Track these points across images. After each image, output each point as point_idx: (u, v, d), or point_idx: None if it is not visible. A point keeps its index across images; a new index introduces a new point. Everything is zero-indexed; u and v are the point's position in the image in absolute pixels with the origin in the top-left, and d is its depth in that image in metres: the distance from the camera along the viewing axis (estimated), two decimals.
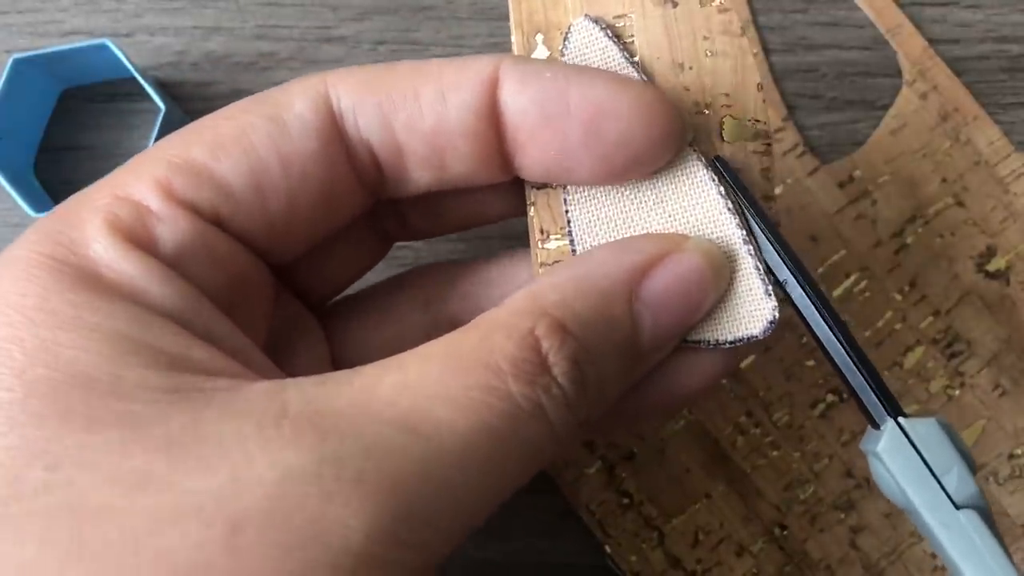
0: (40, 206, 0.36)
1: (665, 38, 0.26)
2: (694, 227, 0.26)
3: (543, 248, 0.27)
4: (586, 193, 0.26)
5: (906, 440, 0.24)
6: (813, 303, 0.25)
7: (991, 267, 0.39)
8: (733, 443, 0.38)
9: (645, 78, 0.26)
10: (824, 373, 0.38)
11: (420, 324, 0.29)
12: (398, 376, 0.21)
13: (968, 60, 0.40)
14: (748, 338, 0.25)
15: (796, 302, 0.25)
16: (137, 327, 0.21)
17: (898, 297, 0.39)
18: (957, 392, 0.39)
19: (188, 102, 0.39)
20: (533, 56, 0.27)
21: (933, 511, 0.24)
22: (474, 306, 0.29)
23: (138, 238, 0.22)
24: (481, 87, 0.24)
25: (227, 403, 0.20)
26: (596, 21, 0.26)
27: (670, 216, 0.26)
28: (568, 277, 0.24)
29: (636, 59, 0.26)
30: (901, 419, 0.24)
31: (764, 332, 0.25)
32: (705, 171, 0.25)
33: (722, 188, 0.25)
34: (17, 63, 0.36)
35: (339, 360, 0.28)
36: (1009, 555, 0.24)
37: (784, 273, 0.25)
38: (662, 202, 0.26)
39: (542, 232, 0.27)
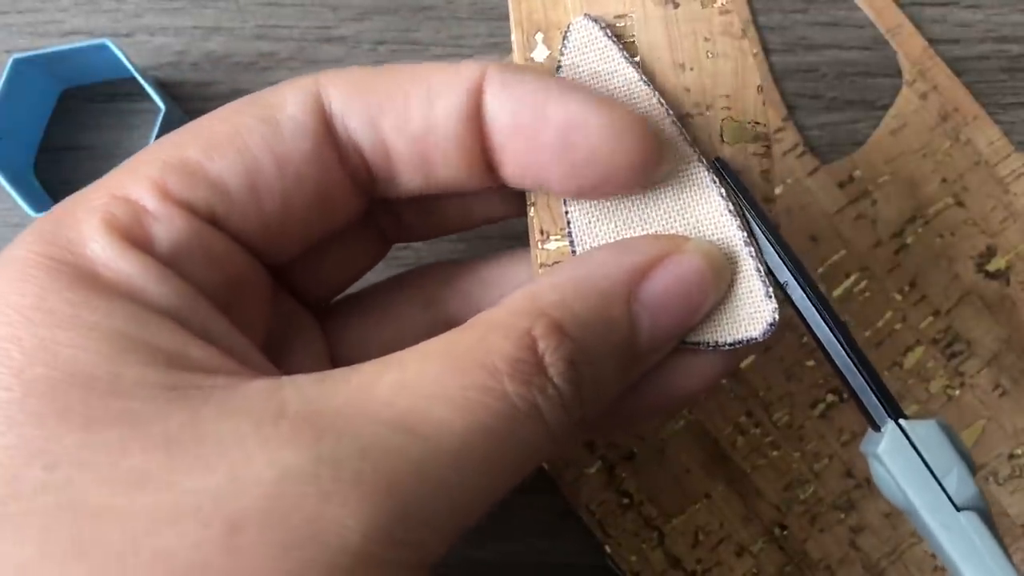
0: (40, 206, 0.36)
1: (666, 39, 0.26)
2: (695, 228, 0.26)
3: (543, 248, 0.27)
4: None
5: (906, 442, 0.24)
6: (813, 305, 0.25)
7: (991, 267, 0.39)
8: (733, 443, 0.38)
9: (645, 78, 0.26)
10: (824, 373, 0.38)
11: (419, 323, 0.29)
12: (396, 375, 0.21)
13: (968, 60, 0.40)
14: (748, 340, 0.25)
15: (796, 304, 0.25)
16: (135, 325, 0.21)
17: (898, 297, 0.39)
18: (957, 392, 0.39)
19: (188, 102, 0.39)
20: (533, 55, 0.27)
21: (933, 513, 0.24)
22: (473, 306, 0.29)
23: (135, 237, 0.22)
24: (467, 92, 0.24)
25: (225, 401, 0.20)
26: (596, 20, 0.26)
27: (671, 217, 0.26)
28: (567, 277, 0.24)
29: (637, 59, 0.26)
30: (901, 421, 0.24)
31: (764, 334, 0.25)
32: (706, 173, 0.25)
33: (723, 190, 0.25)
34: (17, 63, 0.36)
35: (338, 359, 0.28)
36: (1009, 557, 0.24)
37: (785, 275, 0.25)
38: (663, 203, 0.26)
39: (542, 232, 0.27)
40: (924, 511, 0.24)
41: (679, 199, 0.26)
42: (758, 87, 0.26)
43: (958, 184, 0.39)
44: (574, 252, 0.26)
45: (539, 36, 0.27)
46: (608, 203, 0.26)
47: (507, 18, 0.27)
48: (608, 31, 0.26)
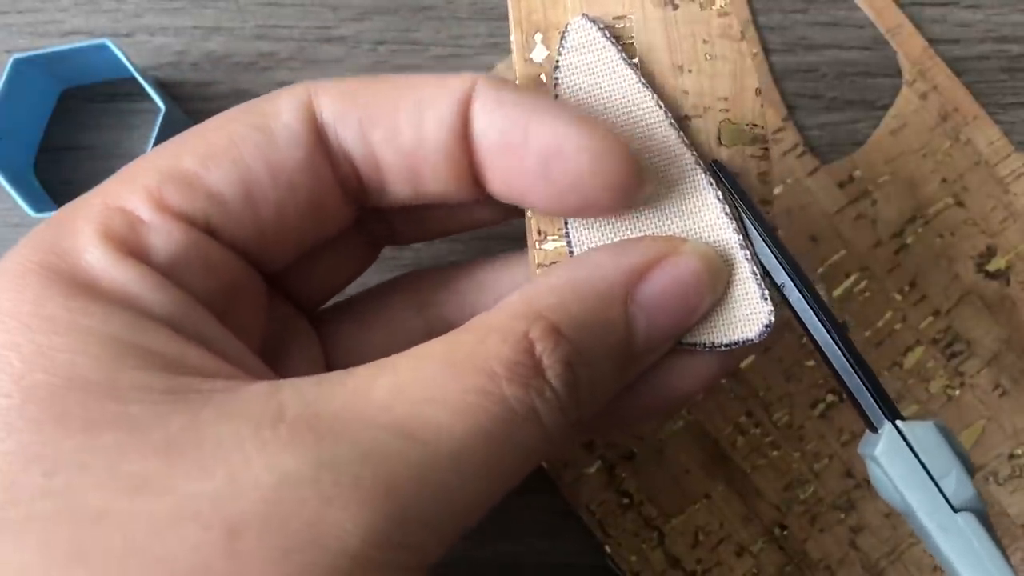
0: (40, 206, 0.36)
1: (665, 40, 0.26)
2: (691, 230, 0.26)
3: (540, 249, 0.27)
4: None
5: (904, 443, 0.24)
6: (810, 306, 0.25)
7: (991, 267, 0.39)
8: (733, 443, 0.38)
9: (643, 80, 0.26)
10: (824, 373, 0.38)
11: (415, 327, 0.29)
12: (394, 378, 0.21)
13: (968, 60, 0.40)
14: (744, 341, 0.25)
15: (794, 305, 0.25)
16: (132, 331, 0.21)
17: (898, 297, 0.39)
18: (957, 392, 0.39)
19: (188, 102, 0.39)
20: (532, 55, 0.27)
21: (931, 514, 0.24)
22: (469, 309, 0.29)
23: (130, 247, 0.22)
24: (456, 105, 0.24)
25: (224, 404, 0.20)
26: (594, 21, 0.26)
27: (667, 219, 0.26)
28: (564, 279, 0.24)
29: (635, 60, 0.26)
30: (898, 422, 0.24)
31: (760, 336, 0.25)
32: (703, 175, 0.25)
33: (719, 192, 0.25)
34: (17, 63, 0.36)
35: (334, 363, 0.28)
36: (1007, 558, 0.24)
37: (782, 276, 0.25)
38: (660, 205, 0.26)
39: (539, 233, 0.27)
40: (921, 513, 0.24)
41: (676, 201, 0.26)
42: (756, 89, 0.26)
43: (958, 184, 0.39)
44: (571, 253, 0.26)
45: (538, 36, 0.27)
46: None
47: (507, 18, 0.27)
48: (607, 32, 0.26)
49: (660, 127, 0.26)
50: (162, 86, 0.39)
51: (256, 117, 0.24)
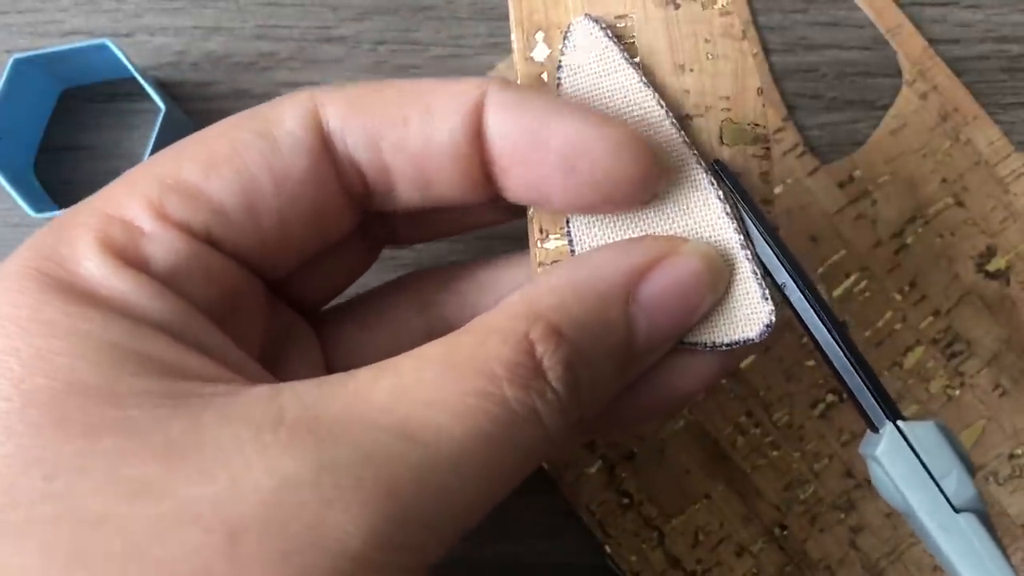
0: (40, 206, 0.36)
1: (666, 40, 0.26)
2: (693, 230, 0.26)
3: (542, 247, 0.27)
4: None
5: (905, 444, 0.24)
6: (811, 306, 0.25)
7: (991, 267, 0.39)
8: (733, 443, 0.38)
9: (645, 80, 0.26)
10: (824, 373, 0.38)
11: (416, 328, 0.29)
12: (394, 380, 0.21)
13: (968, 60, 0.40)
14: (744, 341, 0.25)
15: (795, 305, 0.25)
16: (131, 337, 0.21)
17: (898, 297, 0.39)
18: (957, 392, 0.39)
19: (188, 102, 0.39)
20: (533, 54, 0.27)
21: (932, 515, 0.24)
22: (469, 309, 0.29)
23: (129, 257, 0.22)
24: (467, 112, 0.24)
25: (224, 407, 0.20)
26: (597, 21, 0.26)
27: (669, 218, 0.26)
28: (564, 279, 0.24)
29: (637, 60, 0.26)
30: (899, 422, 0.24)
31: (760, 336, 0.25)
32: (704, 175, 0.25)
33: (721, 192, 0.25)
34: (17, 63, 0.36)
35: (334, 365, 0.28)
36: (1008, 559, 0.24)
37: (783, 276, 0.25)
38: (661, 204, 0.26)
39: (541, 231, 0.27)
40: (922, 513, 0.24)
41: (677, 201, 0.26)
42: (758, 89, 0.26)
43: (958, 184, 0.39)
44: (573, 252, 0.26)
45: (539, 35, 0.27)
46: None
47: (507, 18, 0.27)
48: (609, 32, 0.26)
49: (662, 127, 0.26)
50: (162, 86, 0.39)
51: (260, 124, 0.24)
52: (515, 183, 0.25)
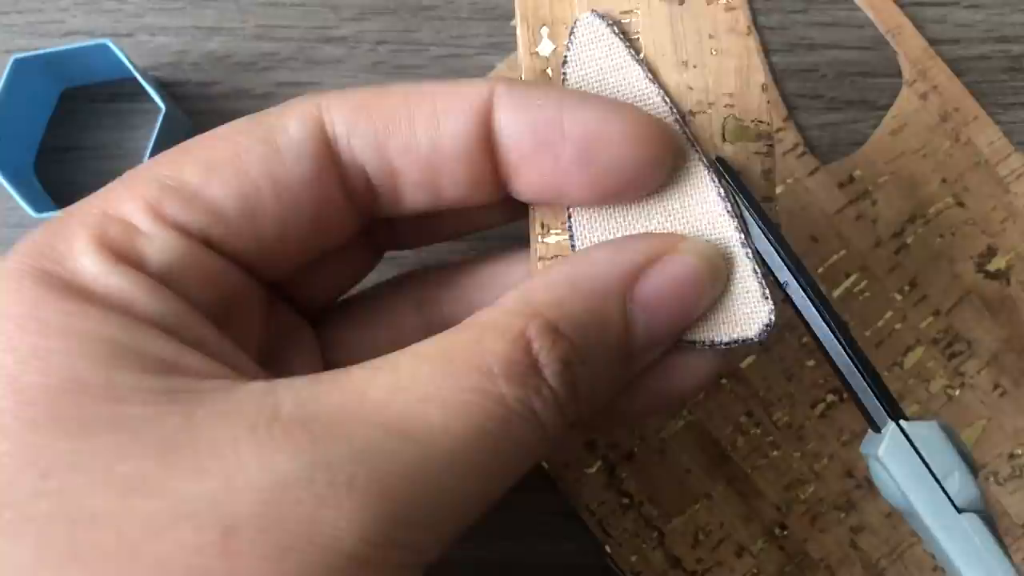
0: (40, 206, 0.36)
1: (670, 35, 0.26)
2: (694, 227, 0.26)
3: (543, 243, 0.27)
4: None
5: (907, 443, 0.24)
6: (813, 304, 0.25)
7: (991, 267, 0.39)
8: (733, 443, 0.38)
9: (650, 76, 0.26)
10: (824, 373, 0.38)
11: (414, 325, 0.29)
12: (390, 377, 0.21)
13: (968, 60, 0.40)
14: (744, 340, 0.25)
15: (796, 303, 0.25)
16: (127, 334, 0.21)
17: (898, 297, 0.39)
18: (957, 392, 0.39)
19: (188, 102, 0.39)
20: (538, 49, 0.27)
21: (934, 515, 0.24)
22: (468, 306, 0.29)
23: (125, 254, 0.22)
24: (475, 113, 0.24)
25: (219, 404, 0.20)
26: (602, 17, 0.26)
27: (670, 215, 0.26)
28: (562, 277, 0.24)
29: (641, 56, 0.26)
30: (902, 421, 0.24)
31: (760, 335, 0.25)
32: (706, 172, 0.25)
33: (722, 189, 0.25)
34: (17, 63, 0.36)
35: (332, 362, 0.28)
36: (1011, 559, 0.24)
37: (785, 275, 0.25)
38: (663, 201, 0.26)
39: (543, 227, 0.27)
40: (925, 513, 0.24)
41: (679, 198, 0.26)
42: (763, 85, 0.26)
43: (958, 184, 0.39)
44: (573, 247, 0.26)
45: (544, 30, 0.27)
46: None
47: (508, 18, 0.27)
48: (615, 28, 0.26)
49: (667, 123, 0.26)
50: (162, 86, 0.39)
51: (263, 129, 0.24)
52: (526, 181, 0.25)
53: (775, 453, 0.38)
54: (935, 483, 0.24)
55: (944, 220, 0.39)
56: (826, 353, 0.25)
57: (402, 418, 0.20)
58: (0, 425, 0.20)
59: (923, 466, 0.24)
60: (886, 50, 0.40)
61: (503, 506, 0.22)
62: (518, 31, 0.27)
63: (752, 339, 0.25)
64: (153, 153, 0.36)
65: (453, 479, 0.20)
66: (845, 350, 0.25)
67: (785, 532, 0.38)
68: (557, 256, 0.26)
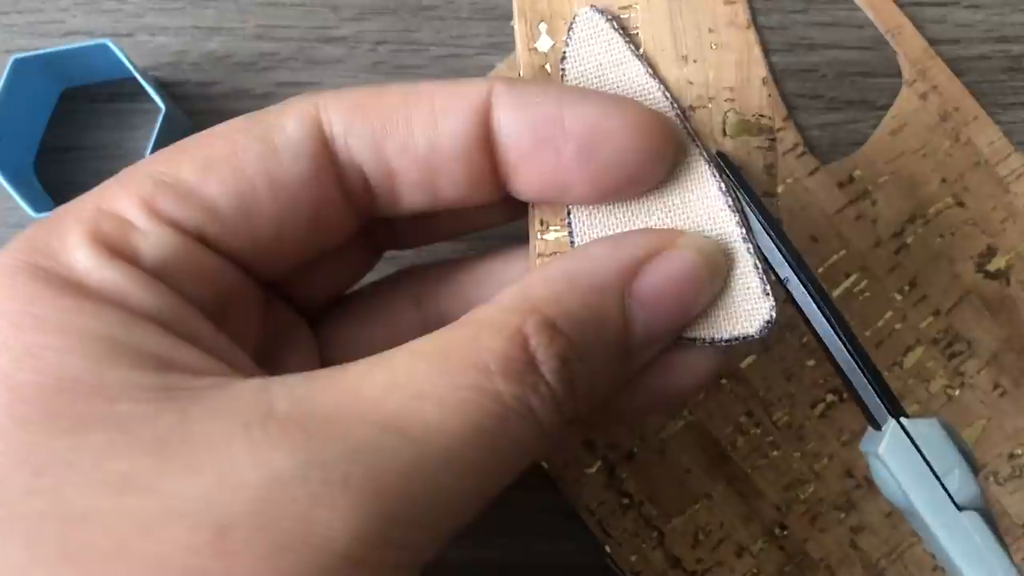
0: (40, 206, 0.36)
1: (669, 30, 0.26)
2: (694, 223, 0.25)
3: (542, 239, 0.27)
4: None
5: (908, 441, 0.24)
6: (814, 301, 0.25)
7: (991, 267, 0.39)
8: (733, 443, 0.38)
9: (650, 71, 0.26)
10: (824, 373, 0.38)
11: (412, 322, 0.29)
12: (386, 374, 0.21)
13: (968, 60, 0.40)
14: (744, 337, 0.25)
15: (797, 300, 0.25)
16: (121, 329, 0.21)
17: (898, 297, 0.39)
18: (957, 392, 0.39)
19: (188, 102, 0.39)
20: (537, 45, 0.27)
21: (934, 513, 0.24)
22: (465, 303, 0.28)
23: (119, 250, 0.22)
24: (473, 112, 0.24)
25: (213, 401, 0.20)
26: (601, 12, 0.26)
27: (671, 211, 0.26)
28: (560, 273, 0.24)
29: (641, 51, 0.26)
30: (902, 419, 0.24)
31: (760, 332, 0.25)
32: (707, 167, 0.25)
33: (723, 185, 0.25)
34: (17, 63, 0.36)
35: (330, 359, 0.28)
36: (1012, 558, 0.24)
37: (786, 271, 0.25)
38: (663, 197, 0.26)
39: (542, 223, 0.27)
40: (925, 511, 0.24)
41: (679, 194, 0.26)
42: (763, 79, 0.26)
43: (958, 184, 0.39)
44: (573, 243, 0.26)
45: (543, 26, 0.27)
46: None
47: (508, 18, 0.27)
48: (614, 23, 0.26)
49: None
50: (162, 86, 0.39)
51: (261, 129, 0.24)
52: (526, 180, 0.25)
53: (775, 453, 0.38)
54: (935, 481, 0.24)
55: (944, 220, 0.39)
56: (826, 350, 0.25)
57: (398, 416, 0.20)
58: None
59: (924, 464, 0.24)
60: (886, 50, 0.40)
61: (501, 505, 0.22)
62: (516, 27, 0.27)
63: (753, 336, 0.25)
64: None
65: (449, 477, 0.20)
66: (846, 347, 0.25)
67: (785, 532, 0.38)
68: (556, 252, 0.26)
